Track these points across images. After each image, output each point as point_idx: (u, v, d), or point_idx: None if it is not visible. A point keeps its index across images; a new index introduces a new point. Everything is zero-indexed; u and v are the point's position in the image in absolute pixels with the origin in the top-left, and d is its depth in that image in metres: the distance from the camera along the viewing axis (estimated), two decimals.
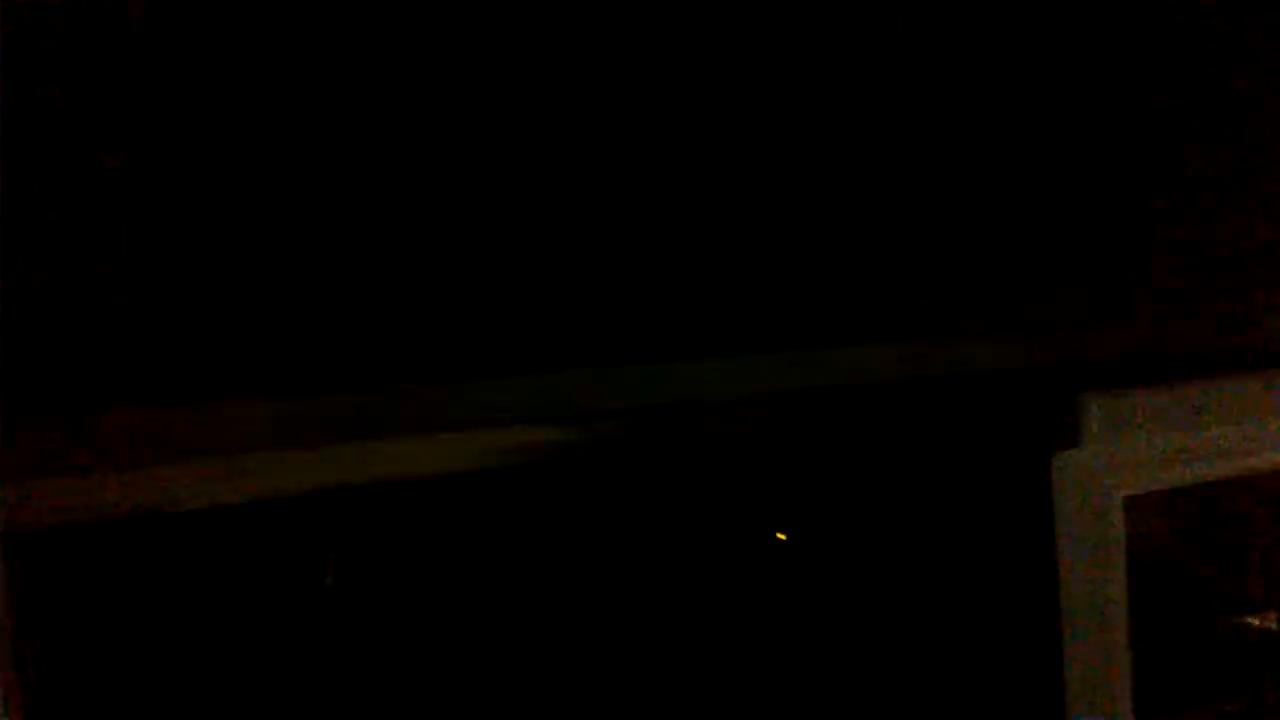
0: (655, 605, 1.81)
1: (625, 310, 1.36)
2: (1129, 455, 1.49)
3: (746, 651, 1.74)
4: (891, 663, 1.61)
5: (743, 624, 1.75)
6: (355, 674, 1.96)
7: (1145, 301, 1.52)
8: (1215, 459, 1.55)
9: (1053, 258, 1.48)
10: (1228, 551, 1.68)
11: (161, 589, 1.71)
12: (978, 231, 1.45)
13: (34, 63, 1.19)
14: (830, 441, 1.43)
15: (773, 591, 1.74)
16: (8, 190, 1.21)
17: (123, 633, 1.61)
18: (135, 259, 1.25)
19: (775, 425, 1.39)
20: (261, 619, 1.98)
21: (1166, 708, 1.58)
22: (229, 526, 1.78)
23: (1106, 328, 1.49)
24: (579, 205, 1.36)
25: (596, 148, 1.36)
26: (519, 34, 1.33)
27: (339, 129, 1.30)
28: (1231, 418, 1.55)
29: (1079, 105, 1.50)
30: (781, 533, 1.79)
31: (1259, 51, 1.62)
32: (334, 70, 1.28)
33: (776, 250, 1.38)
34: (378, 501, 1.82)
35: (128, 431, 1.22)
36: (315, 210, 1.31)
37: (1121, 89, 1.52)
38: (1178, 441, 1.53)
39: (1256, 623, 1.74)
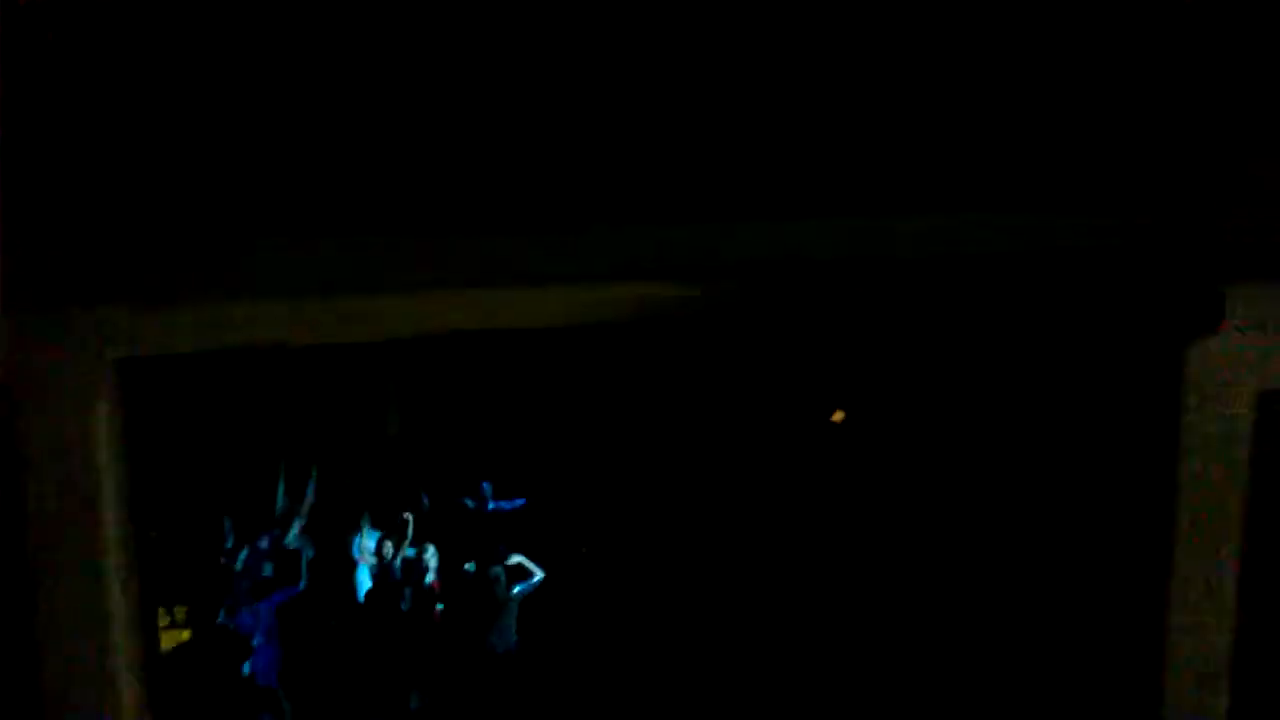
0: (756, 480, 1.77)
1: (742, 165, 1.27)
2: (1267, 350, 1.42)
3: (846, 525, 1.71)
4: (998, 551, 1.57)
5: (846, 495, 1.72)
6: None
7: None
8: None
9: (1214, 141, 1.38)
10: None
11: (250, 417, 1.69)
12: (1129, 103, 1.35)
13: None
14: (958, 310, 1.36)
15: (886, 462, 1.69)
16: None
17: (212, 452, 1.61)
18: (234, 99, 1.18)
19: (897, 290, 1.31)
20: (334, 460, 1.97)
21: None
22: (320, 365, 1.75)
23: (1260, 218, 1.40)
24: (688, 59, 1.26)
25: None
26: None
27: None
28: None
29: None
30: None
31: None
32: None
33: (906, 109, 1.28)
34: (468, 351, 1.77)
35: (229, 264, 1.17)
36: (410, 46, 1.23)
37: None
38: None
39: None
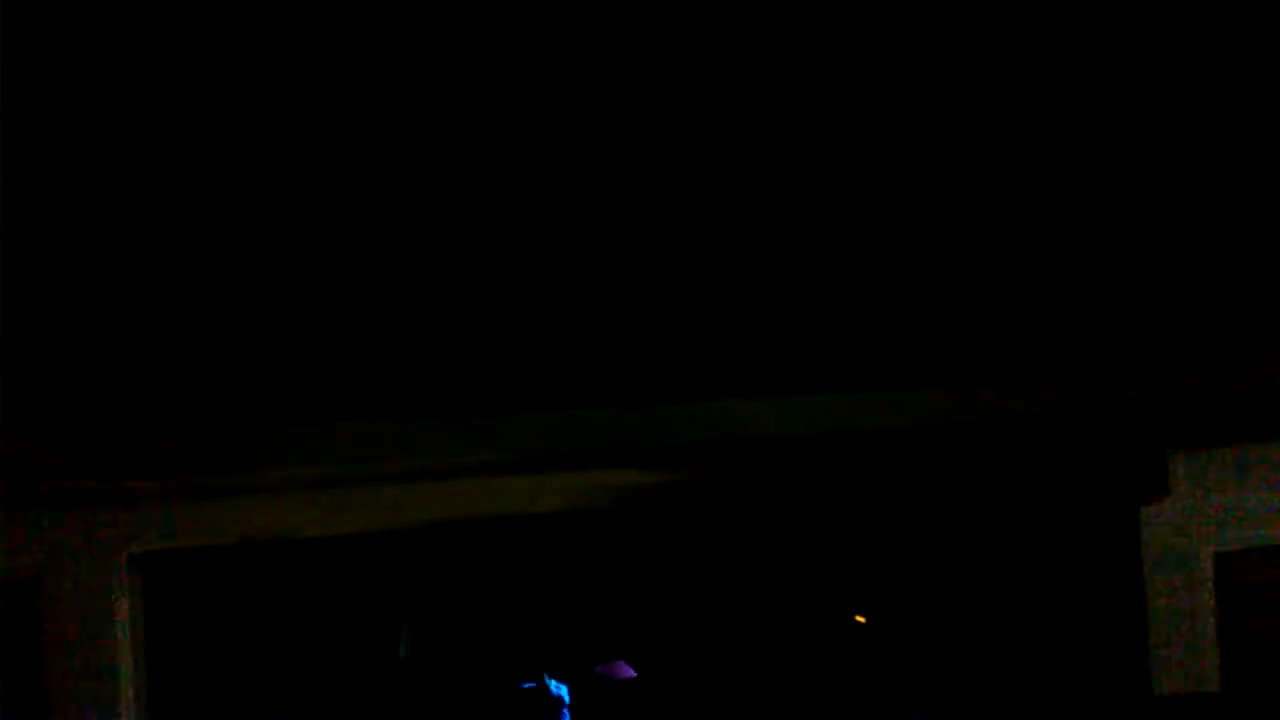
0: (734, 651, 1.82)
1: (712, 348, 1.39)
2: (1219, 510, 1.49)
3: (816, 695, 1.74)
4: (976, 714, 1.60)
5: (812, 667, 1.75)
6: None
7: (1246, 356, 1.52)
8: None
9: (1154, 308, 1.49)
10: None
11: (253, 610, 1.76)
12: (1075, 276, 1.47)
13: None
14: (918, 484, 1.45)
15: (850, 639, 1.74)
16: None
17: (224, 649, 1.67)
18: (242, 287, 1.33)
19: (857, 466, 1.41)
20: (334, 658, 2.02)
21: None
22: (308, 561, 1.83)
23: (1203, 381, 1.49)
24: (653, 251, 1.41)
25: (675, 203, 1.41)
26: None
27: (431, 167, 1.37)
28: None
29: (1176, 151, 1.51)
30: (861, 615, 1.79)
31: None
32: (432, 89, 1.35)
33: (870, 288, 1.41)
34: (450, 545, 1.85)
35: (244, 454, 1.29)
36: (408, 251, 1.38)
37: (1202, 124, 1.53)
38: (1271, 499, 1.52)
39: None
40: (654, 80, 1.40)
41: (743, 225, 1.44)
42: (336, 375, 1.39)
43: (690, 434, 1.37)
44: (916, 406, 1.39)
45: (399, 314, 1.39)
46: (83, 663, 1.34)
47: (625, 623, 2.00)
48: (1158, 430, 1.47)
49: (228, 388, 1.35)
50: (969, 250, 1.46)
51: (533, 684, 2.24)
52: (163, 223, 1.33)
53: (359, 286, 1.38)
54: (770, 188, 1.43)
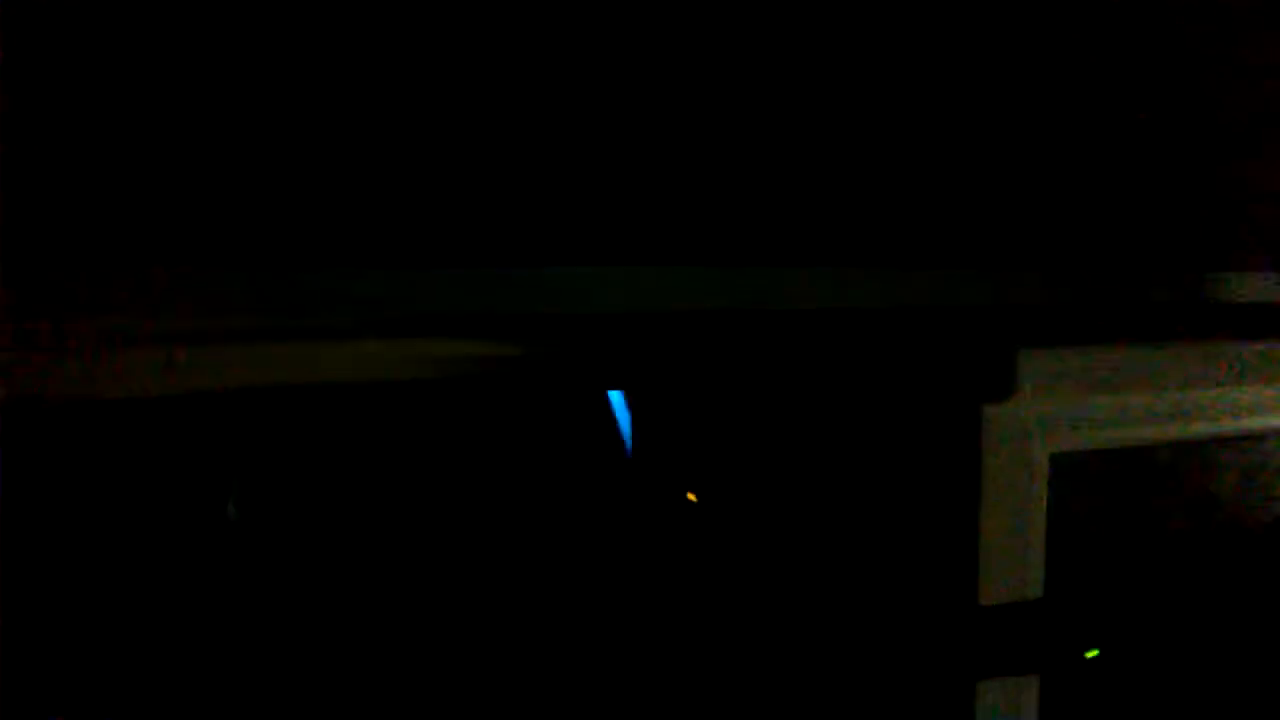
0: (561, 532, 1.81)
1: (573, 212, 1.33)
2: (1058, 412, 1.50)
3: (645, 586, 1.74)
4: (803, 610, 1.61)
5: (645, 561, 1.75)
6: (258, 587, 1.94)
7: (1092, 259, 1.52)
8: (1144, 424, 1.56)
9: (1010, 200, 1.47)
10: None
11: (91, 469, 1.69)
12: (933, 164, 1.44)
13: None
14: (758, 365, 1.42)
15: (683, 529, 1.74)
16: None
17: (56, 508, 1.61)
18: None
19: (697, 345, 1.37)
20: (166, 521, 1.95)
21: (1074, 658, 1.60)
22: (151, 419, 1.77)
23: (1052, 280, 1.49)
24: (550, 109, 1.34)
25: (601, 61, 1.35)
26: None
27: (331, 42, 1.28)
28: (1164, 384, 1.56)
29: (1038, 64, 1.49)
30: (691, 493, 1.78)
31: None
32: None
33: (729, 166, 1.36)
34: (287, 409, 1.79)
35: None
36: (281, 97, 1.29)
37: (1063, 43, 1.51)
38: (1109, 403, 1.54)
39: None
40: None
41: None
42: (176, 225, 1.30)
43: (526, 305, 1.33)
44: (769, 286, 1.36)
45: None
46: None
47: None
48: (1007, 329, 1.47)
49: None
50: (826, 137, 1.42)
51: None
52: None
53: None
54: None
